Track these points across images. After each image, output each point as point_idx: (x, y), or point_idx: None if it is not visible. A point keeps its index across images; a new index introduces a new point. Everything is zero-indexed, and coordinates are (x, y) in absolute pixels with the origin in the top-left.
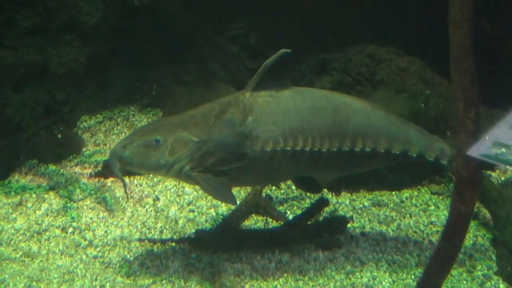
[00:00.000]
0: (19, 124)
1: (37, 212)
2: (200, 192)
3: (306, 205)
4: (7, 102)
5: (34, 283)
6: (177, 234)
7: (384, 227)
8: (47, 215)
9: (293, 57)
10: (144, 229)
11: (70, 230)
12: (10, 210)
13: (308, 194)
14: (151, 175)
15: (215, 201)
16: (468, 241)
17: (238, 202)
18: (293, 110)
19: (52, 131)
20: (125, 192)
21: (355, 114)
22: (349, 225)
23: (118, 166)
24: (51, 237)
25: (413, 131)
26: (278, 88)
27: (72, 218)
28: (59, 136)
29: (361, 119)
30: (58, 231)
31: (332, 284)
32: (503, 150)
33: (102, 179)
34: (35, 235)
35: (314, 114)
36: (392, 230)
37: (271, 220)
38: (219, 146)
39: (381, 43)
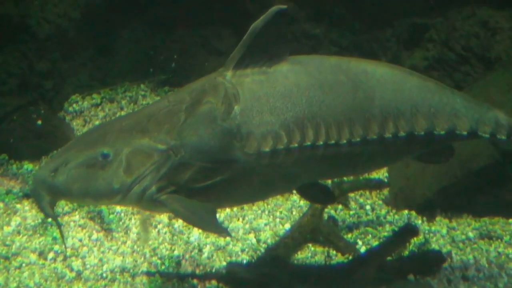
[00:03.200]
0: None
1: (5, 228)
2: (235, 209)
3: (386, 234)
4: None
5: None
6: (201, 268)
7: (496, 269)
8: (18, 233)
9: (373, 21)
10: (154, 258)
11: (51, 255)
12: None
13: (388, 218)
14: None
15: (255, 223)
16: None
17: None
18: (296, 89)
19: (29, 114)
20: (61, 236)
21: (381, 86)
22: (445, 265)
23: (46, 199)
24: (23, 265)
25: (459, 100)
26: (271, 61)
27: (54, 239)
28: (39, 122)
29: (389, 93)
30: (34, 257)
31: None
32: None
33: None
34: (2, 261)
35: (326, 93)
36: (508, 274)
37: (335, 252)
38: (196, 153)
39: (499, 5)
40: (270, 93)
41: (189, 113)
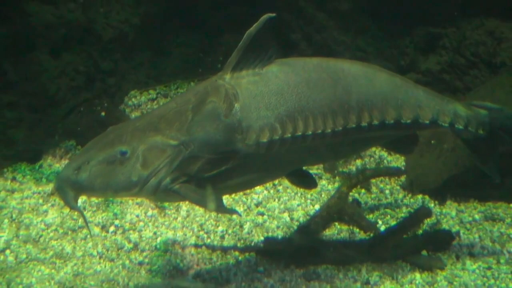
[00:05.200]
0: (55, 96)
1: None
2: (272, 191)
3: (403, 215)
4: (42, 69)
5: None
6: (242, 241)
7: (498, 247)
8: (84, 209)
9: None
10: (201, 232)
11: (112, 229)
12: (41, 201)
13: (405, 201)
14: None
15: (289, 204)
16: None
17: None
18: (286, 87)
19: (94, 106)
20: (87, 228)
21: (356, 81)
22: (454, 242)
23: (71, 195)
24: (88, 236)
25: (422, 93)
26: (262, 63)
27: (115, 214)
28: (102, 113)
29: (363, 87)
30: (97, 229)
31: None
32: None
33: None
34: (70, 232)
35: (311, 89)
36: (509, 252)
37: (358, 230)
38: (204, 147)
39: (505, 17)
40: (265, 91)
41: (196, 112)
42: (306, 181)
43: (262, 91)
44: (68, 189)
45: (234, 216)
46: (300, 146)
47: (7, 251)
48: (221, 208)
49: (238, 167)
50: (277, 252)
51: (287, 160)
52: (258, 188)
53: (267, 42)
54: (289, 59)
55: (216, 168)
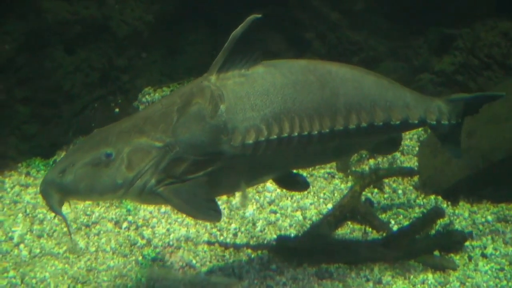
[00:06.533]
0: (70, 92)
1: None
2: (285, 190)
3: (415, 215)
4: (57, 65)
5: (79, 286)
6: (255, 239)
7: (511, 249)
8: (98, 204)
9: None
10: (214, 230)
11: (125, 225)
12: None
13: (417, 201)
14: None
15: (302, 202)
16: None
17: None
18: (272, 88)
19: (108, 103)
20: (68, 232)
21: (344, 84)
22: (467, 243)
23: (56, 198)
24: (101, 232)
25: (409, 94)
26: (248, 65)
27: (128, 210)
28: (116, 110)
29: (351, 89)
30: (110, 225)
31: None
32: None
33: None
34: (83, 228)
35: (298, 91)
36: None
37: (370, 230)
38: (189, 148)
39: None
40: (251, 92)
41: (181, 114)
42: (294, 184)
43: (248, 92)
44: (53, 192)
45: (247, 214)
46: (286, 148)
47: (21, 245)
48: (200, 214)
49: (224, 169)
50: (289, 251)
51: (273, 162)
52: (271, 186)
53: (253, 44)
54: (276, 60)
55: (202, 169)
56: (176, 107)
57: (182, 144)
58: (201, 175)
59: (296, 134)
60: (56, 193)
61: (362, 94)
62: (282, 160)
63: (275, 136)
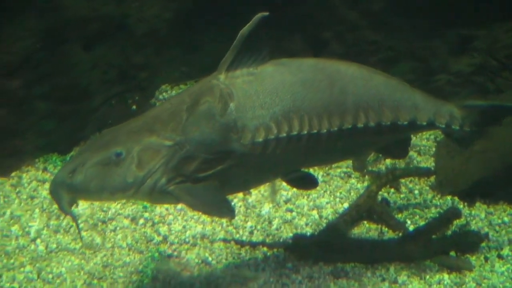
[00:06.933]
0: (87, 89)
1: None
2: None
3: (432, 215)
4: (75, 62)
5: (95, 281)
6: (271, 237)
7: None
8: (114, 201)
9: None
10: (230, 227)
11: (141, 221)
12: None
13: (434, 202)
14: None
15: (318, 201)
16: None
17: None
18: (281, 86)
19: (125, 100)
20: (78, 232)
21: (353, 83)
22: (483, 244)
23: (66, 199)
24: (118, 228)
25: (418, 95)
26: (256, 63)
27: (144, 207)
28: (134, 107)
29: (360, 88)
30: (126, 222)
31: None
32: None
33: None
34: (99, 224)
35: (307, 89)
36: None
37: (386, 229)
38: (200, 147)
39: None
40: (260, 90)
41: (190, 112)
42: (304, 182)
43: (257, 90)
44: (63, 193)
45: (263, 212)
46: (295, 146)
47: (38, 240)
48: (214, 211)
49: (234, 167)
50: (305, 249)
51: (283, 160)
52: (287, 185)
53: (261, 42)
54: (284, 59)
55: (211, 168)
56: (186, 106)
57: (192, 142)
58: (211, 173)
59: (305, 132)
60: (66, 193)
61: (371, 93)
62: (291, 159)
63: (284, 134)
